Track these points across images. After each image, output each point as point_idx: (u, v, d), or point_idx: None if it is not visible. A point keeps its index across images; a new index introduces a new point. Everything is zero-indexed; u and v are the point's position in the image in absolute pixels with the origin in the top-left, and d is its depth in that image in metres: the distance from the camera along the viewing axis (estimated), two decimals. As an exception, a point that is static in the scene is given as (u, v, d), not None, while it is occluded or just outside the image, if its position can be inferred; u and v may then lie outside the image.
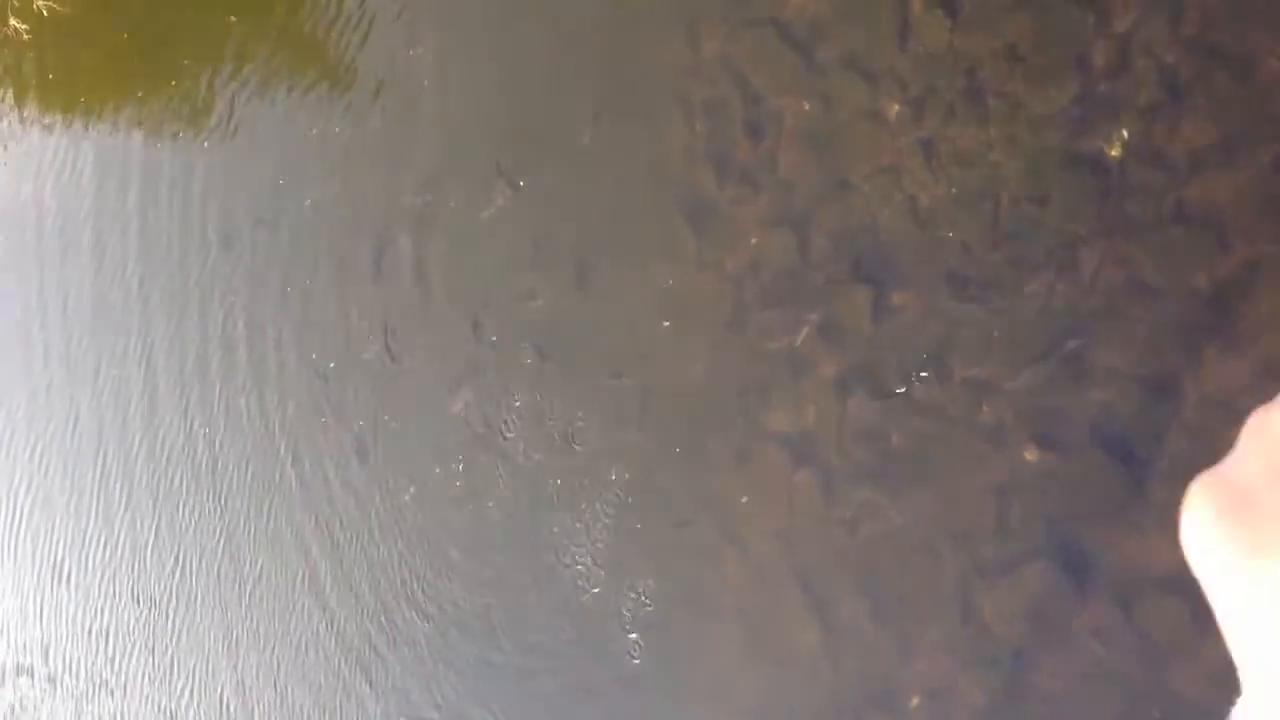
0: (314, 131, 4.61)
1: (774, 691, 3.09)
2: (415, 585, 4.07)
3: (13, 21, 5.91)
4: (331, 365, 4.46)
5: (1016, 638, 2.66)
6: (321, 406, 4.49)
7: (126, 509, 5.47)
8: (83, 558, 5.74)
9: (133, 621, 5.41)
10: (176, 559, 5.15)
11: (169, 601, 5.19)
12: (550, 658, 3.60)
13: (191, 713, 5.05)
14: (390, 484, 4.20)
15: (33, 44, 6.04)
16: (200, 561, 5.04)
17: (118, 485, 5.54)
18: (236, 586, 4.83)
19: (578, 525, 3.54)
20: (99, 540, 5.64)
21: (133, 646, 5.41)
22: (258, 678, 4.73)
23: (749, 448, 3.17)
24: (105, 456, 5.63)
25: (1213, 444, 2.39)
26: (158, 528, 5.27)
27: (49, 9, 5.81)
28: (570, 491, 3.58)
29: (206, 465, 5.04)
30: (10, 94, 6.36)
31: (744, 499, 3.17)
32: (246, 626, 4.78)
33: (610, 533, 3.46)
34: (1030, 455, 2.67)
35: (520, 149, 3.85)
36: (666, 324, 3.40)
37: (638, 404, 3.45)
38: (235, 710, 4.82)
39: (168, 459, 5.25)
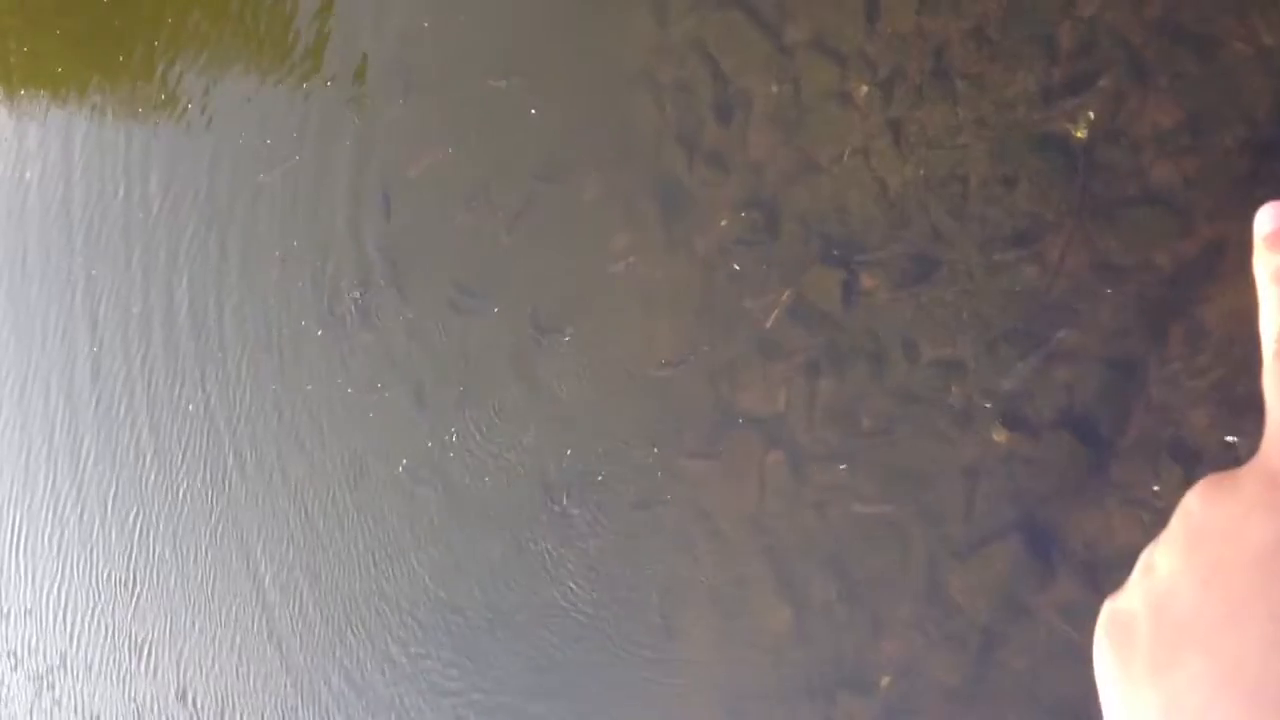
0: (280, 111, 4.57)
1: (746, 673, 3.11)
2: (382, 604, 4.05)
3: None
4: (279, 337, 4.44)
5: (985, 616, 2.68)
6: (269, 384, 4.47)
7: (81, 480, 5.43)
8: (40, 530, 5.70)
9: (93, 598, 5.38)
10: (136, 532, 5.12)
11: (129, 577, 5.16)
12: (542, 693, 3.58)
13: (152, 691, 5.03)
14: (343, 475, 4.19)
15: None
16: (159, 536, 5.01)
17: (69, 455, 5.50)
18: (195, 562, 4.81)
19: (552, 524, 3.54)
20: (56, 511, 5.59)
21: (94, 623, 5.38)
22: (215, 665, 4.72)
23: (720, 430, 3.18)
24: (54, 424, 5.58)
25: (1175, 424, 2.43)
26: (116, 497, 5.24)
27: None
28: (543, 486, 3.58)
29: (151, 438, 5.01)
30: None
31: (715, 481, 3.18)
32: (208, 608, 4.77)
33: (585, 531, 3.46)
34: (998, 436, 2.69)
35: (484, 129, 3.83)
36: (637, 306, 3.40)
37: (608, 387, 3.45)
38: (198, 693, 4.80)
39: (116, 427, 5.21)
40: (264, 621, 4.49)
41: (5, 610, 5.87)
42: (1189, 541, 0.60)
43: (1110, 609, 0.64)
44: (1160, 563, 0.61)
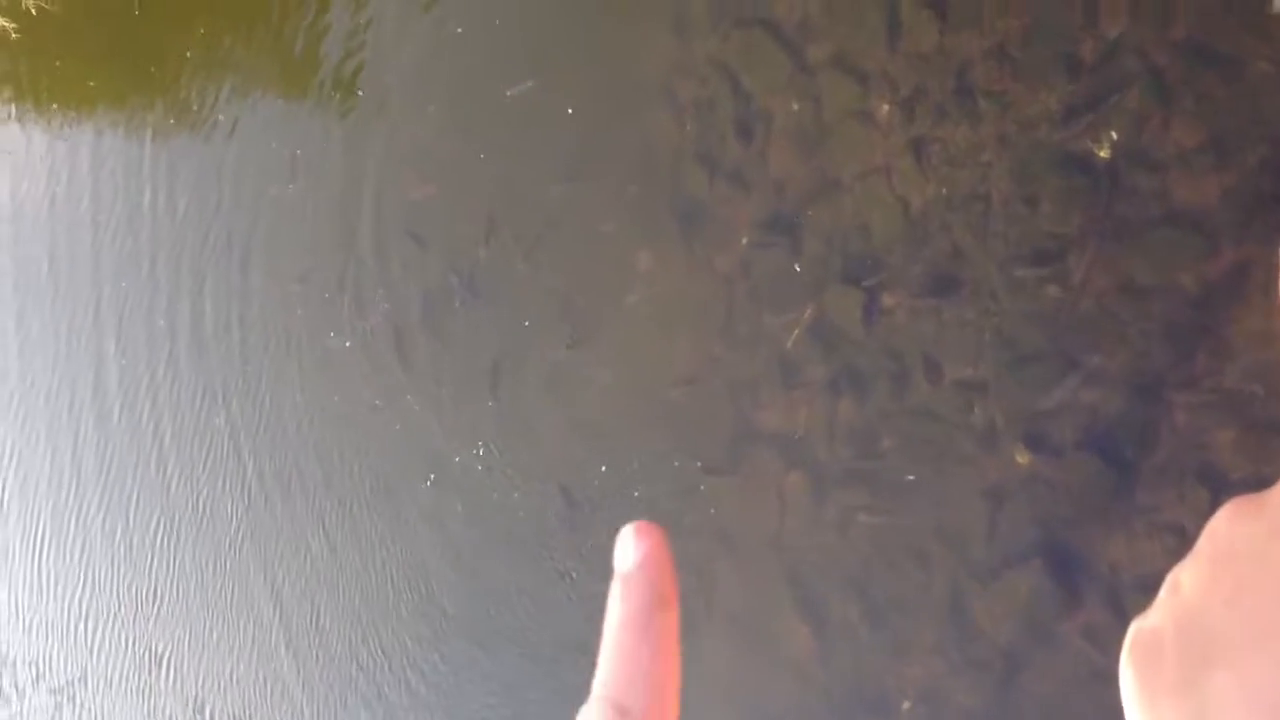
0: (303, 125, 4.61)
1: (766, 695, 3.09)
2: (401, 630, 4.04)
3: (0, 20, 5.88)
4: (300, 348, 4.46)
5: (1008, 640, 2.66)
6: (291, 395, 4.49)
7: (104, 488, 5.45)
8: (64, 540, 5.73)
9: (114, 609, 5.40)
10: (157, 542, 5.14)
11: (150, 588, 5.18)
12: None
13: (170, 704, 5.04)
14: (365, 491, 4.19)
15: (21, 43, 6.02)
16: (180, 546, 5.02)
17: (92, 462, 5.53)
18: (215, 573, 4.83)
19: (575, 546, 3.53)
20: (80, 519, 5.62)
21: (115, 635, 5.40)
22: (233, 678, 4.73)
23: (739, 449, 3.17)
24: (78, 432, 5.62)
25: (1201, 446, 2.40)
26: (137, 506, 5.26)
27: (38, 7, 5.78)
28: (566, 500, 3.57)
29: (173, 446, 5.04)
30: (2, 93, 6.36)
31: (735, 500, 3.17)
32: (226, 620, 4.78)
33: (601, 544, 3.45)
34: (1021, 457, 2.68)
35: (507, 147, 3.84)
36: (657, 325, 3.40)
37: (627, 404, 3.45)
38: (215, 707, 4.81)
39: (138, 435, 5.25)
40: (281, 637, 4.50)
41: (28, 622, 5.90)
42: (1215, 562, 0.61)
43: (1136, 629, 0.65)
44: (1186, 582, 0.63)
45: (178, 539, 5.04)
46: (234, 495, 4.75)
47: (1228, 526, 0.62)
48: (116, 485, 5.39)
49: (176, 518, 5.04)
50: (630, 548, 0.55)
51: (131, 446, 5.30)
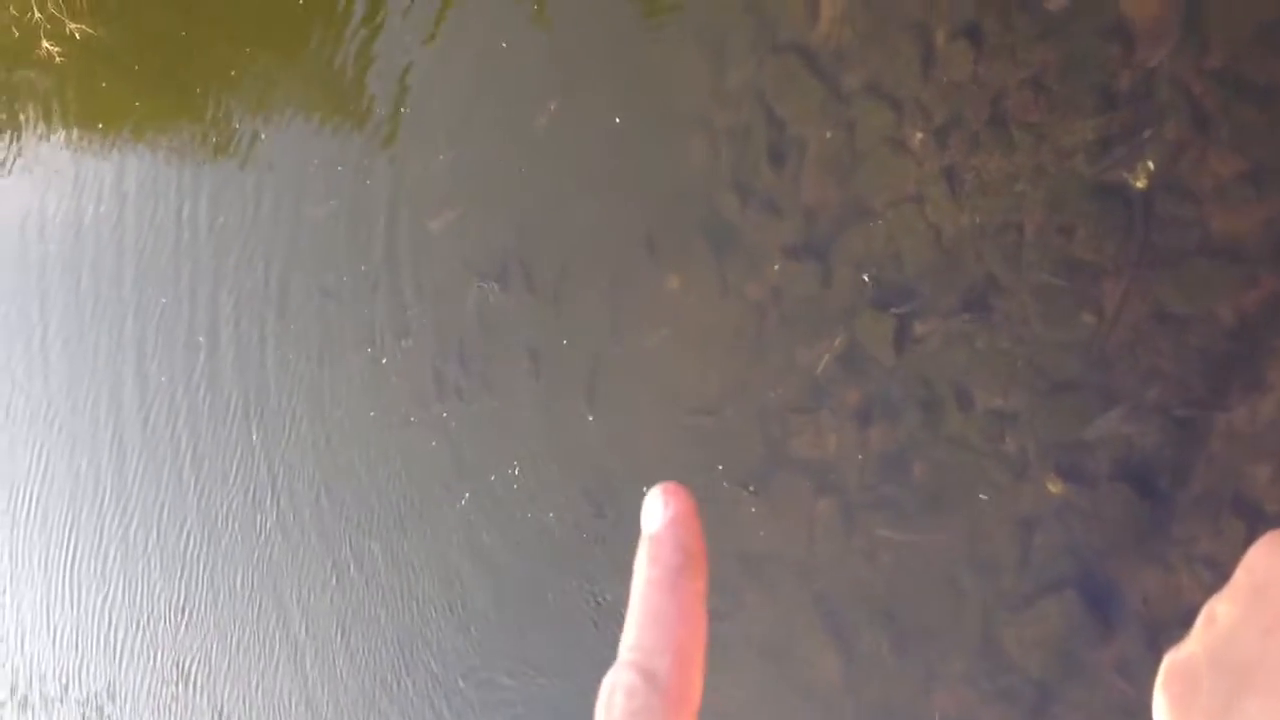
0: (330, 147, 4.66)
1: (793, 722, 3.07)
2: (420, 664, 4.02)
3: (45, 44, 6.00)
4: (324, 364, 4.49)
5: (1039, 671, 2.63)
6: (314, 410, 4.51)
7: (128, 499, 5.49)
8: (90, 551, 5.77)
9: (140, 620, 5.43)
10: (185, 555, 5.17)
11: (175, 600, 5.21)
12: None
13: (193, 717, 5.05)
14: (392, 512, 4.19)
15: (65, 67, 6.14)
16: (203, 558, 5.04)
17: (117, 474, 5.57)
18: (239, 585, 4.84)
19: (606, 564, 3.52)
20: (105, 531, 5.66)
21: (140, 648, 5.42)
22: (257, 690, 4.73)
23: (769, 476, 3.17)
24: (104, 444, 5.67)
25: (1237, 478, 2.36)
26: (162, 518, 5.29)
27: (81, 32, 5.90)
28: (598, 525, 3.57)
29: (197, 460, 5.08)
30: (43, 114, 6.47)
31: (764, 527, 3.16)
32: (248, 633, 4.79)
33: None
34: (1054, 487, 2.66)
35: (541, 172, 3.87)
36: (687, 349, 3.41)
37: (658, 428, 3.45)
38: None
39: (162, 447, 5.29)
40: (306, 653, 4.50)
41: (56, 634, 5.94)
42: (1252, 593, 0.62)
43: (1170, 660, 0.65)
44: (1222, 613, 0.63)
45: (205, 552, 5.07)
46: (262, 509, 4.77)
47: (1265, 559, 0.62)
48: (144, 498, 5.43)
49: (204, 531, 5.07)
50: (659, 508, 0.53)
51: (160, 459, 5.34)
